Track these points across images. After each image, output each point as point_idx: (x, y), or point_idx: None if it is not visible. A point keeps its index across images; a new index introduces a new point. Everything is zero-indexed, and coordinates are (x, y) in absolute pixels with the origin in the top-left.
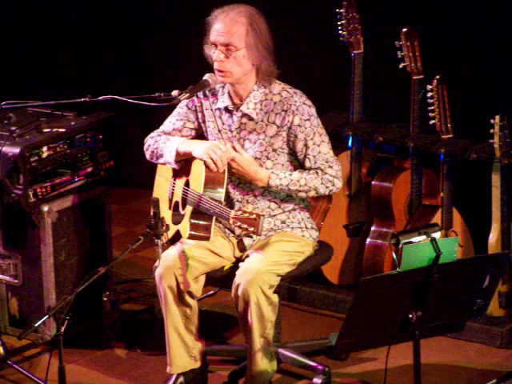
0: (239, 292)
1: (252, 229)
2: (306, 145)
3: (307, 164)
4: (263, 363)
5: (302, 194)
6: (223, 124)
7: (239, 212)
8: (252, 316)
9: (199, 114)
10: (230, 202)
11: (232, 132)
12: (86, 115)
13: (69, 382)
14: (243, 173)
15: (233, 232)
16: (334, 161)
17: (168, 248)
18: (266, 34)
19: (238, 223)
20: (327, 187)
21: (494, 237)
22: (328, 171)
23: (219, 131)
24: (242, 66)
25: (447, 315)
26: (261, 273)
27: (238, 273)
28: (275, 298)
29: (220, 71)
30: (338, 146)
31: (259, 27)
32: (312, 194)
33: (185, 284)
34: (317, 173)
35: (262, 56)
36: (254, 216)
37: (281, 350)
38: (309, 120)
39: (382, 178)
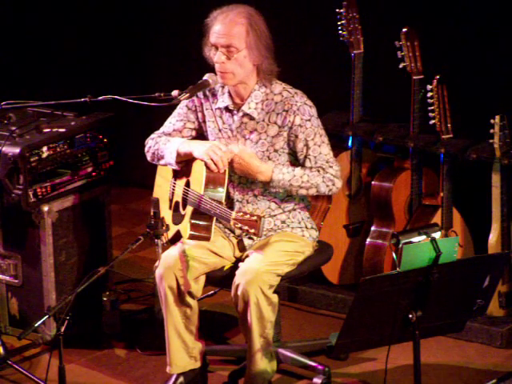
0: (239, 292)
1: (252, 230)
2: (306, 145)
3: (308, 164)
4: (263, 363)
5: (303, 192)
6: (224, 123)
7: (240, 214)
8: (252, 316)
9: (199, 114)
10: (229, 202)
11: (232, 131)
12: (86, 115)
13: (69, 382)
14: (246, 167)
15: (233, 232)
16: (334, 161)
17: (168, 248)
18: (266, 33)
19: (239, 225)
20: (327, 186)
21: (493, 237)
22: (329, 171)
23: (219, 131)
24: (243, 67)
25: (447, 315)
26: (260, 273)
27: (237, 273)
28: (275, 298)
29: (222, 73)
30: (337, 146)
31: (259, 27)
32: (312, 191)
33: (185, 284)
34: (318, 171)
35: (263, 56)
36: (255, 218)
37: (281, 350)
38: (309, 120)
39: (381, 178)
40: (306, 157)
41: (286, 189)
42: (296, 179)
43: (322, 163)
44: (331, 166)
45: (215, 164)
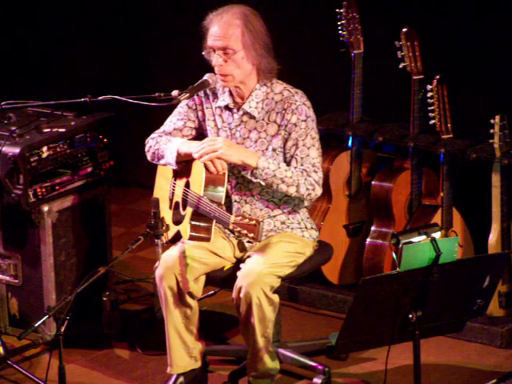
0: (241, 294)
1: (252, 235)
2: (296, 144)
3: (293, 164)
4: (266, 362)
5: (283, 187)
6: (223, 122)
7: (239, 217)
8: (254, 317)
9: (199, 113)
10: (228, 202)
11: (232, 130)
12: (86, 115)
13: (69, 382)
14: (235, 151)
15: (233, 232)
16: (320, 168)
17: (168, 248)
18: (263, 32)
19: (238, 228)
20: (308, 189)
21: (493, 237)
22: (312, 175)
23: (219, 129)
24: (241, 68)
25: (447, 315)
26: (262, 275)
27: (239, 275)
28: (276, 298)
29: (222, 75)
30: (337, 146)
31: (254, 27)
32: (292, 190)
33: (185, 284)
34: (302, 172)
35: (261, 55)
36: (254, 222)
37: (281, 350)
38: (305, 121)
39: (382, 178)
40: (292, 156)
41: (268, 180)
42: (280, 171)
43: (308, 166)
44: (315, 172)
45: (214, 166)
